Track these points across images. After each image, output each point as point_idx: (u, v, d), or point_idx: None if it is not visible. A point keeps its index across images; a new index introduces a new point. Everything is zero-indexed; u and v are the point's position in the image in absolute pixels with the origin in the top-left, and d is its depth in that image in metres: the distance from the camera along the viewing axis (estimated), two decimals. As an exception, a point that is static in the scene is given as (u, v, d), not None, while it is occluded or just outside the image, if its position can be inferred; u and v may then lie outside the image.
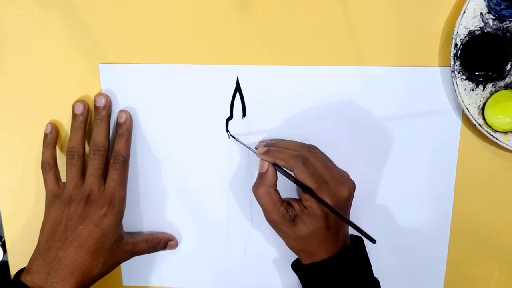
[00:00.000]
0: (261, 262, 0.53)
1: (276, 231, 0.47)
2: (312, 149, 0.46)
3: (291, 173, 0.44)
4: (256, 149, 0.48)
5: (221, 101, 0.49)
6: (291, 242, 0.46)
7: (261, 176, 0.46)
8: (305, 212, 0.44)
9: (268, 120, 0.49)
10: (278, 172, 0.46)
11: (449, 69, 0.46)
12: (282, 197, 0.46)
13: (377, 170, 0.50)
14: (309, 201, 0.44)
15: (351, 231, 0.51)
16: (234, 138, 0.49)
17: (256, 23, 0.47)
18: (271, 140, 0.49)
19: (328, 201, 0.43)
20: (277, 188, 0.46)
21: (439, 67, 0.47)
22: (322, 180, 0.44)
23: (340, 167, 0.48)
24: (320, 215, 0.44)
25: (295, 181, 0.44)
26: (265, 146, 0.48)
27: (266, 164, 0.46)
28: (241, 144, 0.49)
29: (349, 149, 0.49)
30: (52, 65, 0.49)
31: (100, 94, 0.49)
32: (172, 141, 0.50)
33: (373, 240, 0.41)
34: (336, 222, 0.44)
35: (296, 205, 0.45)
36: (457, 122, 0.48)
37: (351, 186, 0.46)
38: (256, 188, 0.46)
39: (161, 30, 0.48)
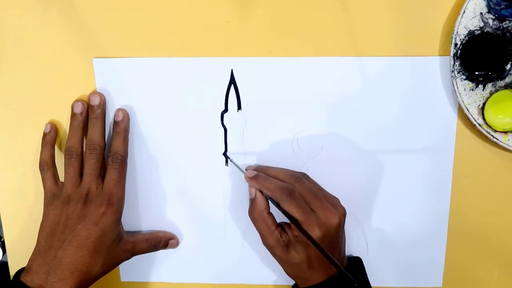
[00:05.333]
0: (258, 256, 0.53)
1: (272, 255, 0.47)
2: (300, 179, 0.46)
3: None
4: (246, 171, 0.48)
5: (216, 94, 0.49)
6: (286, 268, 0.47)
7: (252, 201, 0.47)
8: (295, 240, 0.45)
9: (264, 112, 0.49)
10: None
11: (449, 69, 0.46)
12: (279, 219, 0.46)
13: (373, 165, 0.50)
14: (298, 231, 0.44)
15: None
16: (228, 158, 0.50)
17: (256, 21, 0.47)
18: (259, 166, 0.49)
19: (317, 231, 0.43)
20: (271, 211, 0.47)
21: (439, 67, 0.47)
22: (309, 210, 0.44)
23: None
24: (309, 243, 0.43)
25: (283, 211, 0.44)
26: (255, 170, 0.48)
27: (254, 189, 0.46)
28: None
29: (344, 142, 0.49)
30: (52, 65, 0.49)
31: (94, 92, 0.49)
32: (168, 135, 0.50)
33: (353, 282, 0.42)
34: (329, 248, 0.44)
35: (288, 232, 0.45)
36: (455, 121, 0.48)
37: (341, 214, 0.45)
38: (250, 213, 0.47)
39: (162, 30, 0.48)
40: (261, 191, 0.46)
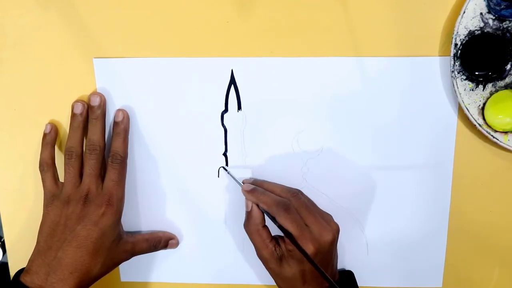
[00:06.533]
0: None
1: (266, 268, 0.47)
2: (296, 194, 0.47)
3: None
4: (243, 184, 0.49)
5: (216, 94, 0.49)
6: (278, 281, 0.47)
7: (248, 214, 0.47)
8: (288, 255, 0.45)
9: (264, 112, 0.49)
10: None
11: (449, 69, 0.46)
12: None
13: (373, 165, 0.50)
14: (292, 246, 0.44)
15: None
16: (226, 170, 0.51)
17: (256, 21, 0.47)
18: (256, 180, 0.50)
19: (311, 246, 0.43)
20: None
21: (439, 67, 0.47)
22: (304, 225, 0.44)
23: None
24: (302, 258, 0.44)
25: (278, 226, 0.45)
26: (251, 184, 0.49)
27: (250, 203, 0.47)
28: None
29: (345, 142, 0.49)
30: (52, 65, 0.49)
31: (94, 93, 0.49)
32: (168, 135, 0.50)
33: None
34: (321, 264, 0.44)
35: (282, 245, 0.46)
36: (455, 121, 0.48)
37: (335, 230, 0.46)
38: (245, 226, 0.48)
39: (162, 30, 0.48)
40: (257, 205, 0.47)
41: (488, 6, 0.44)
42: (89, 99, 0.49)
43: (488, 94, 0.46)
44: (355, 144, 0.49)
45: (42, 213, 0.48)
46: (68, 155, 0.48)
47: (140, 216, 0.53)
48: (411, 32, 0.46)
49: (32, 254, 0.46)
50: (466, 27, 0.44)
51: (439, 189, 0.50)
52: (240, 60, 0.48)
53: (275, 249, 0.46)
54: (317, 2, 0.46)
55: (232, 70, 0.48)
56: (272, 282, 0.48)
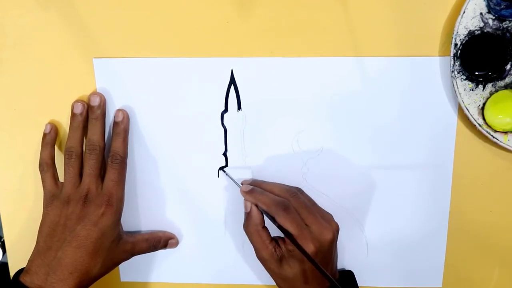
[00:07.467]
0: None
1: (266, 269, 0.47)
2: (295, 194, 0.47)
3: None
4: (242, 185, 0.49)
5: (216, 94, 0.49)
6: (279, 282, 0.47)
7: (247, 215, 0.47)
8: (289, 255, 0.45)
9: (264, 112, 0.49)
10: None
11: (449, 69, 0.46)
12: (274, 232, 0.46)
13: (373, 165, 0.50)
14: (292, 246, 0.44)
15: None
16: (224, 172, 0.50)
17: (256, 21, 0.47)
18: (255, 180, 0.50)
19: (311, 246, 0.43)
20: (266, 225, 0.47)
21: (439, 67, 0.47)
22: (303, 225, 0.44)
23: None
24: (303, 258, 0.44)
25: (278, 226, 0.44)
26: (250, 184, 0.49)
27: (249, 204, 0.47)
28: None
29: (345, 142, 0.49)
30: (52, 65, 0.49)
31: (94, 93, 0.49)
32: (168, 135, 0.50)
33: None
34: (321, 263, 0.44)
35: (282, 246, 0.46)
36: (455, 121, 0.48)
37: (335, 229, 0.46)
38: (245, 227, 0.48)
39: (162, 30, 0.48)
40: (256, 205, 0.46)
41: (488, 6, 0.44)
42: (89, 99, 0.49)
43: (488, 94, 0.46)
44: (355, 144, 0.49)
45: (42, 213, 0.48)
46: (68, 155, 0.48)
47: (140, 216, 0.53)
48: (411, 32, 0.46)
49: (31, 254, 0.46)
50: (466, 27, 0.44)
51: (439, 189, 0.50)
52: (240, 60, 0.48)
53: (275, 250, 0.46)
54: (317, 2, 0.46)
55: (232, 70, 0.48)
56: (272, 282, 0.48)
